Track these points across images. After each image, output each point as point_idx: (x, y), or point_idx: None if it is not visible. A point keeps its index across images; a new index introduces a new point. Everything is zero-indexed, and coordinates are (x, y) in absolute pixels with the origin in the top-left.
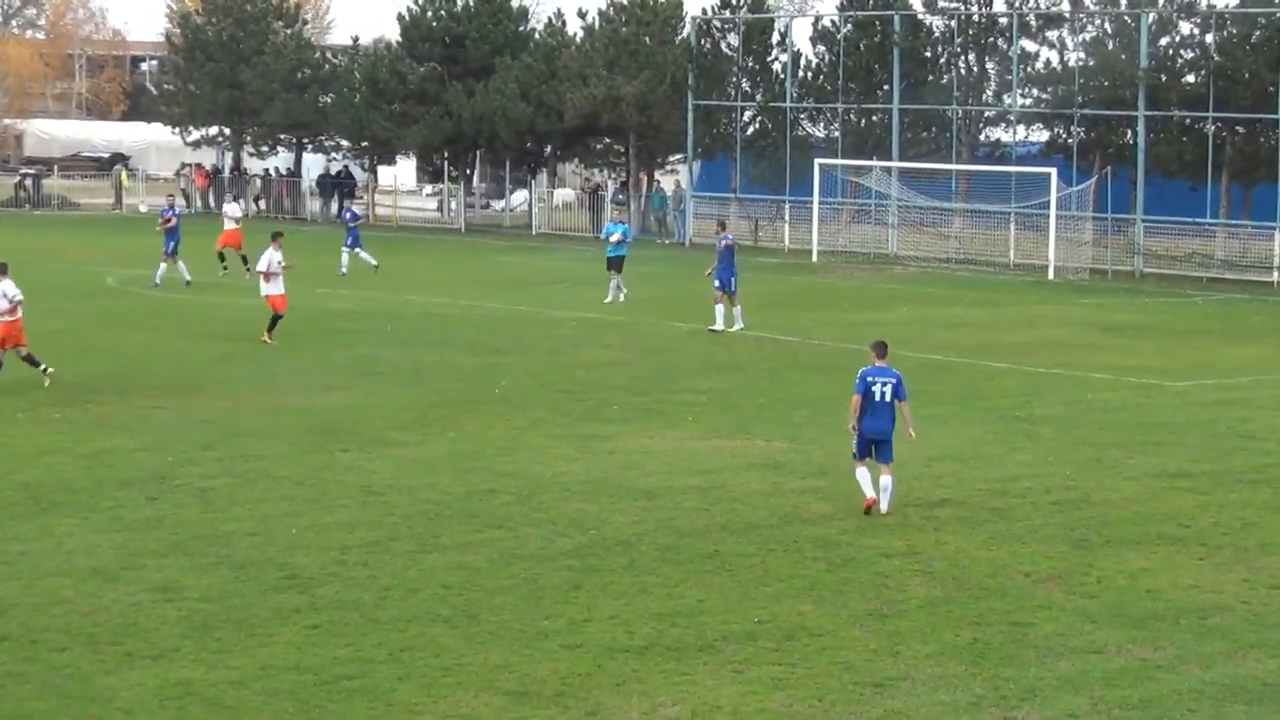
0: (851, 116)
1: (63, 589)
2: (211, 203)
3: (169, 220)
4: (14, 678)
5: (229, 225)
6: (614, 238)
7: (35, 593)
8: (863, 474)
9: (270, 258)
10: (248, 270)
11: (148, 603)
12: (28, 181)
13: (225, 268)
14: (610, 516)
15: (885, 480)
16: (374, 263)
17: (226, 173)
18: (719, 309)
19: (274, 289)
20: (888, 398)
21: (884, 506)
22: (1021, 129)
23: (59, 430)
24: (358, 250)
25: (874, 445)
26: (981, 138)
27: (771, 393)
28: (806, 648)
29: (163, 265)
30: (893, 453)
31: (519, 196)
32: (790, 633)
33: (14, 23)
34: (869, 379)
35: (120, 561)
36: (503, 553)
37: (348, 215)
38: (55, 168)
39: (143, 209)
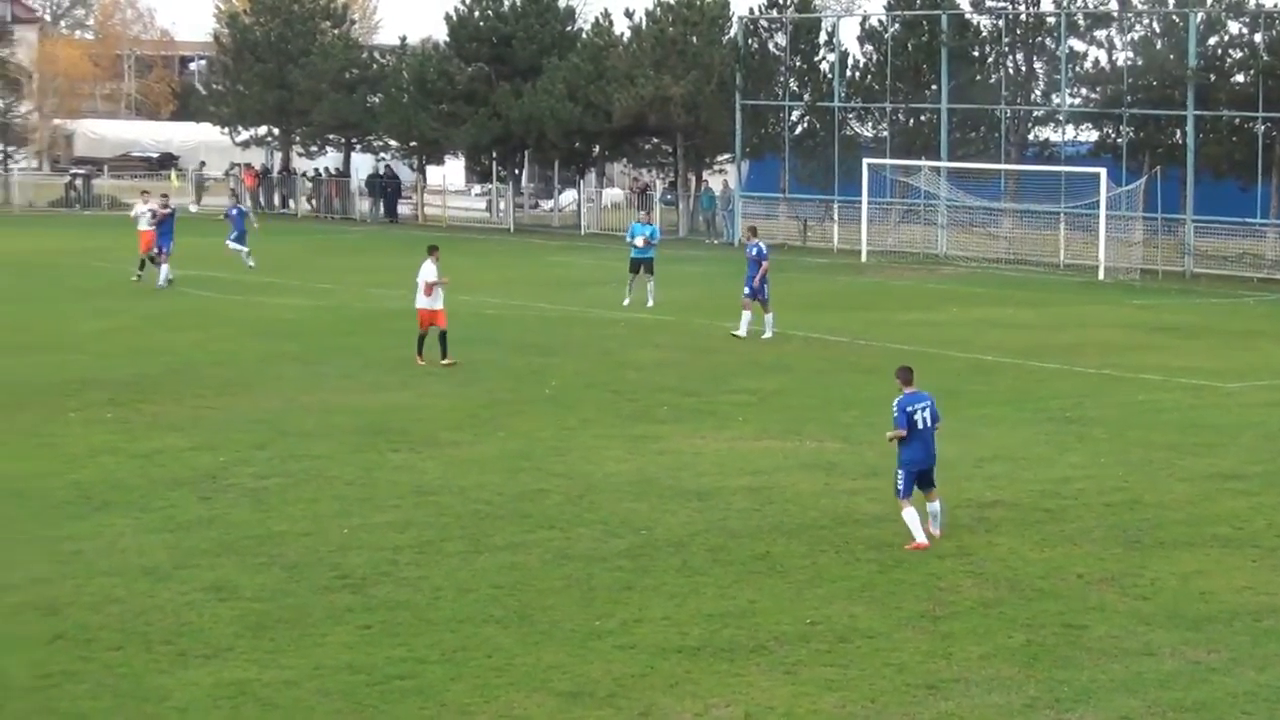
0: (900, 116)
1: (116, 588)
2: (262, 202)
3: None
4: (69, 676)
5: (143, 227)
6: (638, 241)
7: (89, 592)
8: (911, 516)
9: (430, 270)
10: (138, 274)
11: (201, 602)
12: (78, 181)
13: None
14: (662, 517)
15: (935, 506)
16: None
17: (275, 173)
18: (746, 315)
19: (435, 303)
20: (929, 423)
21: (936, 531)
22: (1070, 129)
23: (111, 430)
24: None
25: (920, 475)
26: (1030, 137)
27: (822, 393)
28: (859, 649)
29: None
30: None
31: (567, 196)
32: (843, 634)
33: (63, 23)
34: (908, 408)
35: (173, 561)
36: (555, 553)
37: (235, 212)
38: (105, 168)
39: (192, 209)
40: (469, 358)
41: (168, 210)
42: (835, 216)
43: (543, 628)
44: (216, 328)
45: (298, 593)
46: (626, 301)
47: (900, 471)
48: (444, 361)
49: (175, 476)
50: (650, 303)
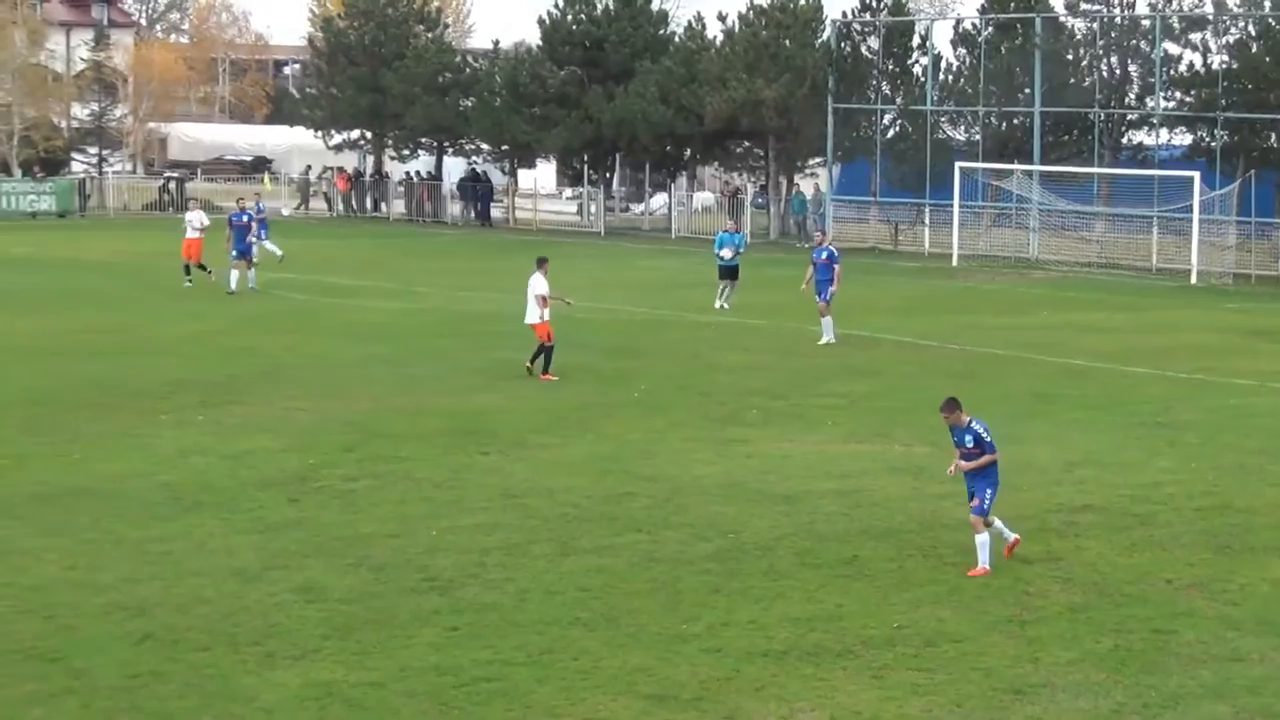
0: (992, 119)
1: (204, 589)
2: (354, 206)
3: (244, 222)
4: (157, 677)
5: (191, 234)
6: (724, 253)
7: (177, 593)
8: (985, 540)
9: (541, 283)
10: (209, 275)
11: (289, 603)
12: (172, 185)
13: (190, 280)
14: (749, 520)
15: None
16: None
17: (368, 176)
18: (827, 320)
19: (545, 316)
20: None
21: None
22: (1164, 132)
23: (202, 431)
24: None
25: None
26: (1124, 141)
27: (911, 397)
28: (946, 653)
29: (235, 271)
30: None
31: (658, 200)
32: (930, 638)
33: (158, 27)
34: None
35: (262, 562)
36: (641, 556)
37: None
38: (199, 171)
39: (285, 212)
40: (559, 361)
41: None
42: (927, 220)
43: (629, 631)
44: (308, 330)
45: (385, 594)
46: (719, 305)
47: (992, 491)
48: (544, 377)
49: (265, 478)
50: (726, 306)
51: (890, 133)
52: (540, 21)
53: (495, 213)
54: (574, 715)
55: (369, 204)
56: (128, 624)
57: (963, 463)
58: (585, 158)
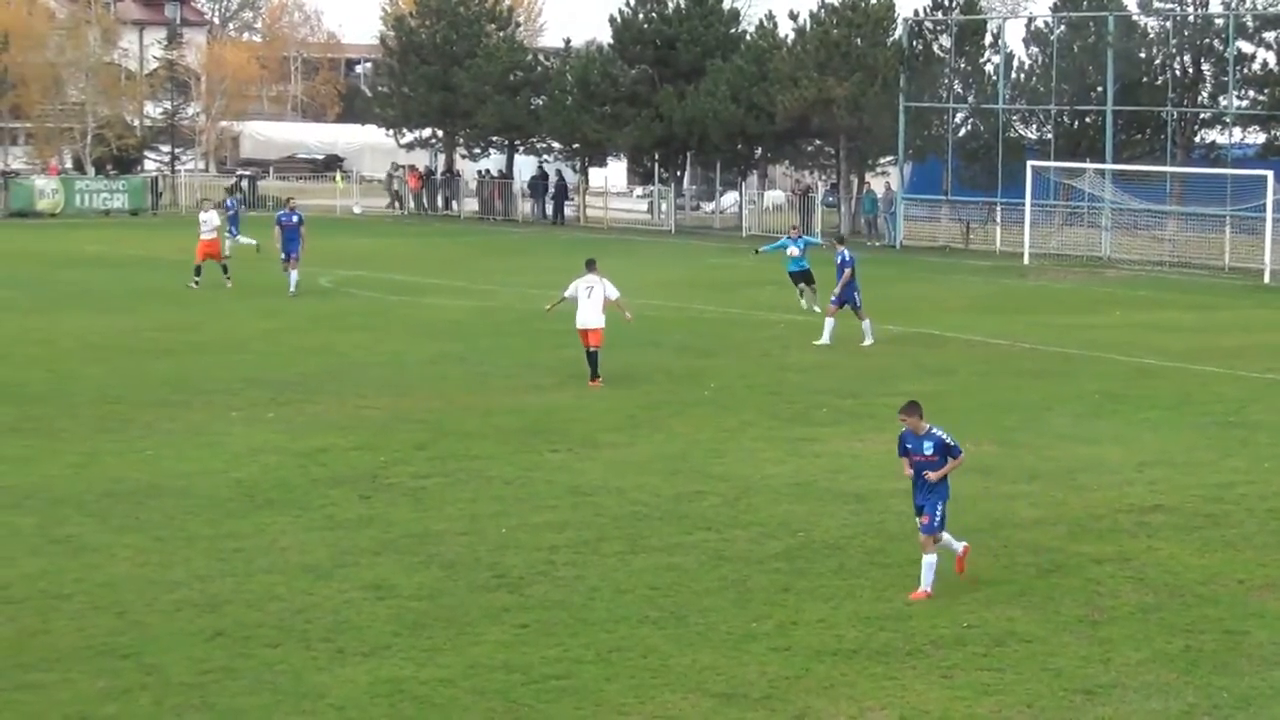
0: (1064, 118)
1: (276, 586)
2: (426, 204)
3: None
4: (228, 673)
5: (206, 235)
6: (792, 251)
7: (249, 589)
8: (932, 561)
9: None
10: (228, 279)
11: (359, 600)
12: (244, 183)
13: (197, 282)
14: (819, 519)
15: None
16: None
17: (439, 174)
18: (830, 323)
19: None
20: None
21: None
22: (1237, 131)
23: (274, 429)
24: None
25: None
26: (1196, 139)
27: (982, 396)
28: (1016, 653)
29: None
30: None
31: (729, 198)
32: (999, 638)
33: (231, 26)
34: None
35: (333, 559)
36: (711, 555)
37: (230, 204)
38: (271, 169)
39: (356, 210)
40: (629, 360)
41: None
42: (998, 219)
43: (698, 629)
44: (380, 328)
45: (455, 592)
46: (809, 307)
47: (943, 506)
48: (594, 383)
49: (336, 475)
50: (816, 309)
51: (962, 131)
52: (611, 20)
53: (566, 211)
54: (643, 713)
55: (440, 202)
56: (199, 620)
57: (931, 474)
58: (656, 156)
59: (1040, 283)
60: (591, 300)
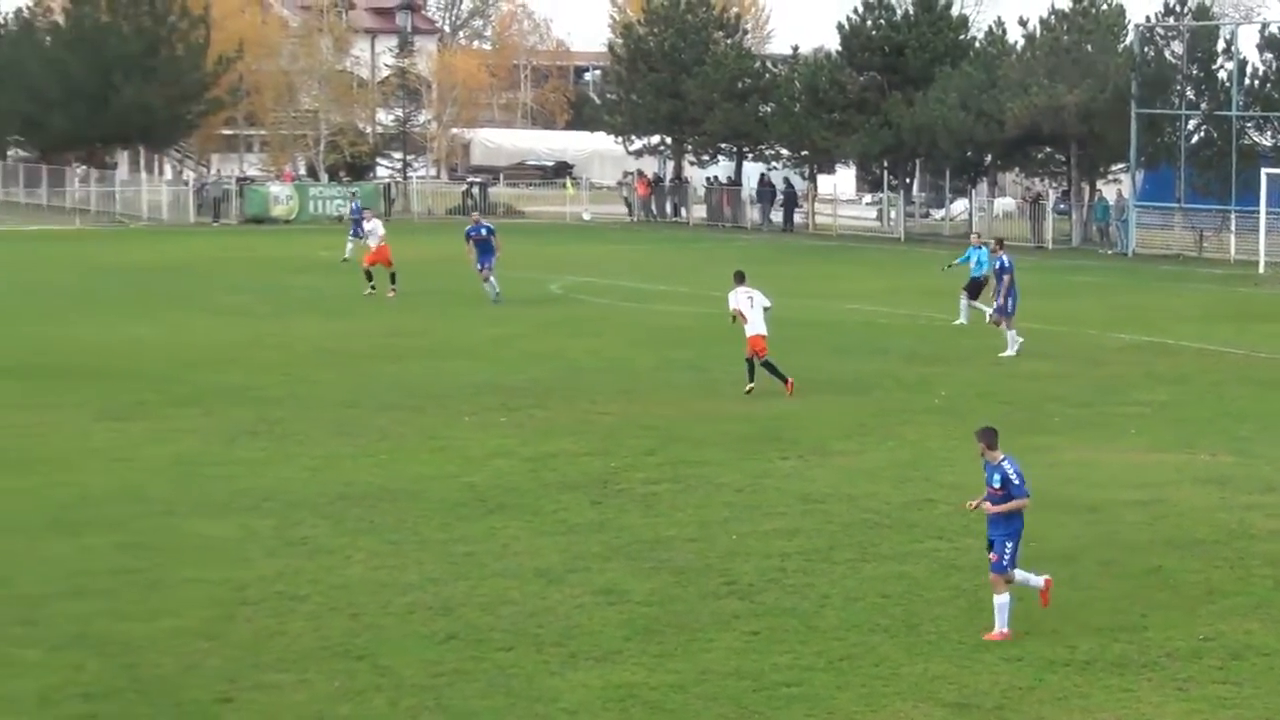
0: None
1: (508, 590)
2: (654, 211)
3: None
4: (461, 675)
5: (374, 241)
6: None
7: (481, 593)
8: (1005, 602)
9: (763, 296)
10: (393, 287)
11: (591, 605)
12: (474, 189)
13: (373, 287)
14: (1051, 529)
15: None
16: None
17: (667, 181)
18: (1010, 333)
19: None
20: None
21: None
22: None
23: (505, 434)
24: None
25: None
26: None
27: (1217, 406)
28: (1254, 667)
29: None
30: None
31: (959, 206)
32: (1237, 651)
33: (461, 34)
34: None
35: (564, 564)
36: (942, 563)
37: (354, 208)
38: (501, 176)
39: (585, 216)
40: (858, 367)
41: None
42: (1232, 227)
43: (930, 638)
44: (609, 334)
45: (685, 598)
46: (978, 316)
47: (1013, 545)
48: (789, 385)
49: (566, 480)
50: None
51: (1195, 138)
52: (839, 27)
53: (796, 218)
54: None
55: (669, 209)
56: (433, 623)
57: (988, 505)
58: (885, 163)
59: (1276, 291)
60: (755, 310)
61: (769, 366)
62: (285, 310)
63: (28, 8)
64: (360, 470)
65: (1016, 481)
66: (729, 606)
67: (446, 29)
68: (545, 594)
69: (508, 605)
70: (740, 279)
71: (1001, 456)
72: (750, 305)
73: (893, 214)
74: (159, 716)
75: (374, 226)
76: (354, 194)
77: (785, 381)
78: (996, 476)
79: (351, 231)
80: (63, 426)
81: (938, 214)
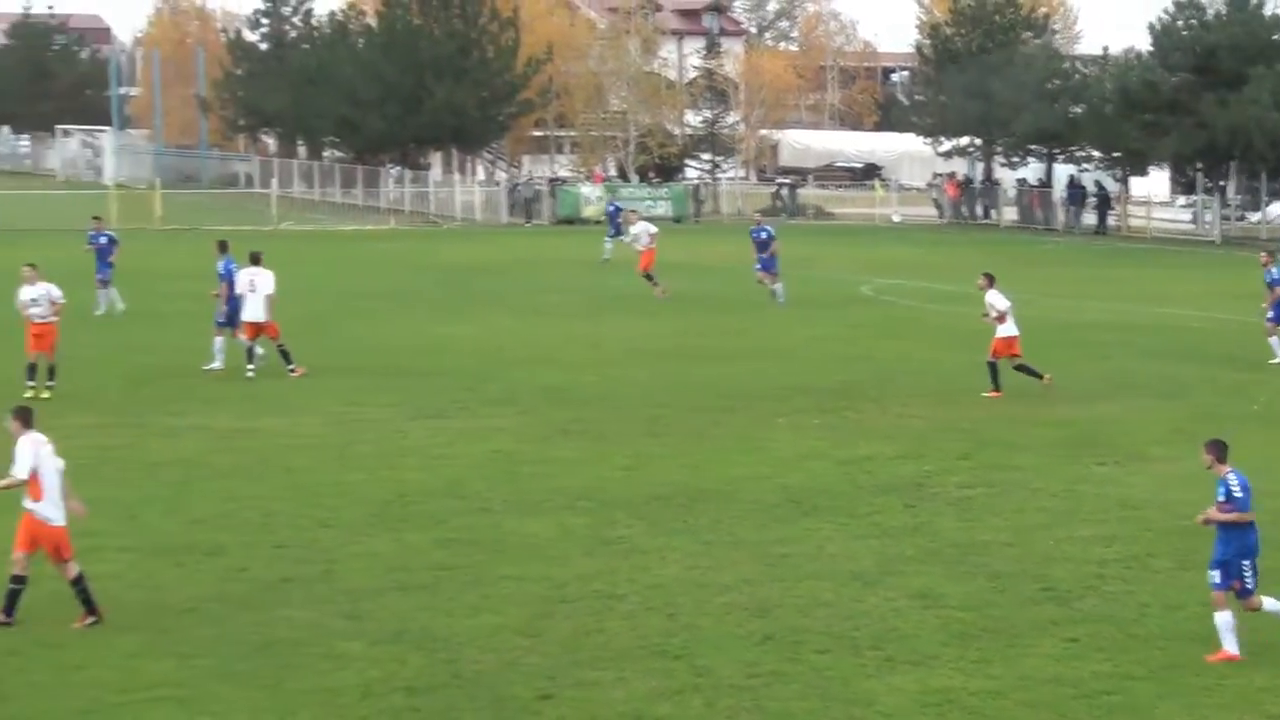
0: None
1: (824, 592)
2: (965, 212)
3: None
4: (778, 677)
5: (643, 246)
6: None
7: (797, 595)
8: (1228, 621)
9: (995, 299)
10: (656, 288)
11: (907, 609)
12: (784, 191)
13: (661, 288)
14: None
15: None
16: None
17: (978, 183)
18: (1273, 340)
19: (1006, 330)
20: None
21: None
22: None
23: (818, 436)
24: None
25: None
26: None
27: None
28: None
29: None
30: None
31: (1275, 208)
32: None
33: (768, 35)
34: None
35: (879, 567)
36: (1262, 574)
37: (611, 209)
38: (809, 177)
39: (895, 219)
40: (1175, 371)
41: (765, 235)
42: None
43: (1251, 649)
44: (917, 337)
45: (1002, 603)
46: None
47: (1250, 564)
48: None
49: (880, 483)
50: None
51: None
52: (1150, 27)
53: (1109, 220)
54: None
55: (979, 211)
56: (748, 624)
57: (1213, 511)
58: (1199, 165)
59: None
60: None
61: (1023, 368)
62: (597, 310)
63: (342, 11)
64: (673, 470)
65: (1240, 495)
66: (1047, 612)
67: (753, 30)
68: (861, 597)
69: (823, 607)
70: (991, 281)
71: (1228, 470)
72: (1002, 306)
73: (1207, 216)
74: (480, 712)
75: (643, 227)
76: (612, 193)
77: (997, 389)
78: (1220, 489)
79: (610, 232)
80: (381, 424)
81: (1254, 217)
